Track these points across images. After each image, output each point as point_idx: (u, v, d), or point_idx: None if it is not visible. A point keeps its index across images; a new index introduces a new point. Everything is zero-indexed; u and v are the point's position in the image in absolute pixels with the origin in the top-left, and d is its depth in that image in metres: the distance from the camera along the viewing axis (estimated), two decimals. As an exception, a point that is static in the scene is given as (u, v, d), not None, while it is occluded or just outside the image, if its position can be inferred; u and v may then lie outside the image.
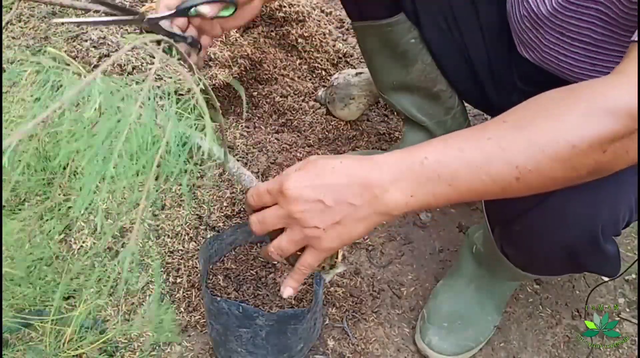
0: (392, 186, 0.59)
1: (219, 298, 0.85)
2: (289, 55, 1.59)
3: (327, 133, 1.45)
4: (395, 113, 1.52)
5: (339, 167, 0.60)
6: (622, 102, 0.55)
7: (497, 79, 1.06)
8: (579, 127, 0.56)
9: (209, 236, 1.17)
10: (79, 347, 1.00)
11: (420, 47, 1.10)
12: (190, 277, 1.12)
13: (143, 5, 1.35)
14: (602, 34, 0.79)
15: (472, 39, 1.03)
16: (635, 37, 0.59)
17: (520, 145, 0.57)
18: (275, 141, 1.41)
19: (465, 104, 1.26)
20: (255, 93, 1.51)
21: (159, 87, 0.49)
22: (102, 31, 1.31)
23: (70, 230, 1.15)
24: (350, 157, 0.62)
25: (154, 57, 1.38)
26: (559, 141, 0.56)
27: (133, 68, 1.25)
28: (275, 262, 0.79)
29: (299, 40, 1.56)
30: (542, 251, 0.81)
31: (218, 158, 0.63)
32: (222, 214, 1.22)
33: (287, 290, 0.68)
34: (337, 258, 0.71)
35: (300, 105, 1.52)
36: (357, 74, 1.46)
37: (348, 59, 1.63)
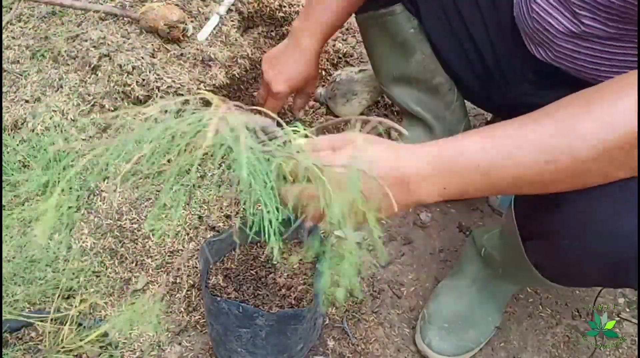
0: (428, 180, 0.61)
1: (218, 298, 0.85)
2: (289, 55, 1.59)
3: (327, 133, 1.45)
4: (395, 113, 1.52)
5: (380, 156, 0.62)
6: None
7: (500, 72, 1.04)
8: (606, 122, 0.55)
9: (209, 236, 1.17)
10: (79, 346, 1.00)
11: (420, 38, 1.10)
12: (190, 277, 1.12)
13: (143, 5, 1.35)
14: (616, 27, 0.77)
15: (474, 33, 1.03)
16: None
17: (555, 140, 0.57)
18: (275, 141, 1.41)
19: (466, 104, 1.26)
20: (255, 93, 1.51)
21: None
22: (102, 31, 1.31)
23: (70, 230, 1.15)
24: (390, 146, 0.64)
25: (154, 57, 1.37)
26: (588, 136, 0.55)
27: (133, 68, 1.25)
28: (276, 262, 0.81)
29: (299, 40, 1.57)
30: (585, 267, 0.73)
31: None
32: (222, 214, 1.22)
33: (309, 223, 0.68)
34: None
35: (300, 105, 1.52)
36: (360, 70, 1.46)
37: (348, 59, 1.63)
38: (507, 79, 1.04)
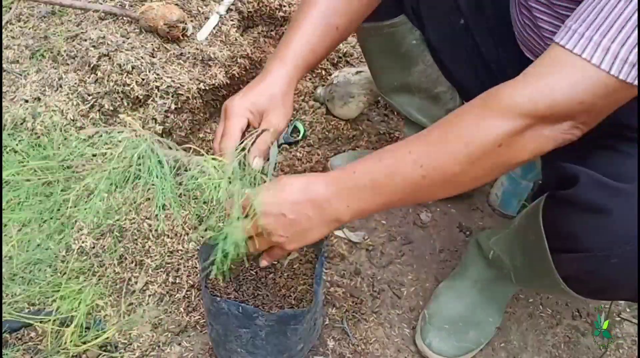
0: (334, 198, 0.72)
1: (218, 299, 0.85)
2: (289, 54, 1.58)
3: (327, 133, 1.45)
4: (395, 113, 1.52)
5: (296, 185, 0.73)
6: (514, 103, 0.63)
7: (505, 79, 1.04)
8: (473, 128, 0.65)
9: (209, 236, 1.17)
10: (79, 346, 1.00)
11: (421, 49, 1.10)
12: (190, 277, 1.12)
13: (143, 5, 1.35)
14: None
15: (479, 41, 1.03)
16: (558, 39, 0.62)
17: (424, 147, 0.68)
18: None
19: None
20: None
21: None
22: (101, 31, 1.31)
23: (70, 230, 1.15)
24: (306, 176, 0.74)
25: (153, 57, 1.38)
26: (453, 141, 0.66)
27: (132, 67, 1.25)
28: (266, 263, 0.85)
29: (299, 39, 1.56)
30: (631, 285, 0.72)
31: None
32: (222, 214, 1.21)
33: (263, 262, 0.84)
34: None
35: (300, 105, 1.51)
36: (357, 72, 1.46)
37: (348, 59, 1.62)
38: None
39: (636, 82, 0.59)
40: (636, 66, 0.58)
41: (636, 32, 0.57)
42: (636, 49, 0.57)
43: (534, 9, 0.83)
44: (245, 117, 0.82)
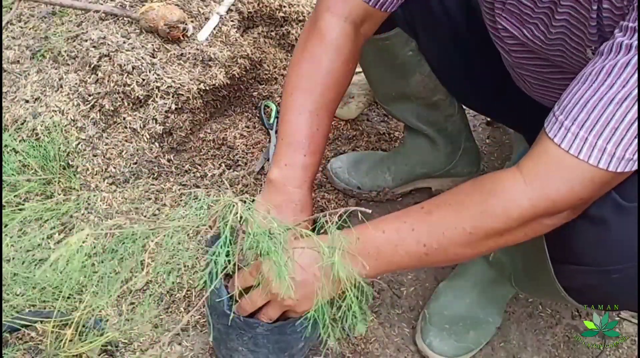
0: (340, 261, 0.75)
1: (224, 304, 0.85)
2: (289, 55, 1.59)
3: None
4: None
5: (307, 250, 0.76)
6: (516, 207, 0.66)
7: (500, 82, 1.05)
8: (476, 219, 0.69)
9: (209, 236, 1.17)
10: (79, 346, 1.00)
11: (418, 59, 1.10)
12: (190, 277, 1.12)
13: (143, 5, 1.35)
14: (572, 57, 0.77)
15: (473, 52, 1.03)
16: (551, 134, 0.63)
17: (427, 228, 0.72)
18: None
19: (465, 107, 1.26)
20: (255, 93, 1.51)
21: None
22: (102, 31, 1.31)
23: (70, 230, 1.15)
24: (313, 238, 0.76)
25: (154, 57, 1.38)
26: (457, 228, 0.70)
27: (133, 68, 1.25)
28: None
29: (299, 40, 1.56)
30: (632, 297, 0.72)
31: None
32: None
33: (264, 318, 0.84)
34: None
35: (300, 105, 1.51)
36: (356, 73, 1.46)
37: (348, 59, 1.63)
38: (505, 92, 1.04)
39: (632, 169, 0.61)
40: (632, 160, 0.60)
41: (630, 132, 0.59)
42: (631, 147, 0.59)
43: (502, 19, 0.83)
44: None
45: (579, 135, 0.61)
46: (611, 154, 0.60)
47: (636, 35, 0.58)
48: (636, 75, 0.58)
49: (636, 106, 0.58)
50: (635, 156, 0.60)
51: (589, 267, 0.71)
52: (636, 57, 0.58)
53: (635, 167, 0.61)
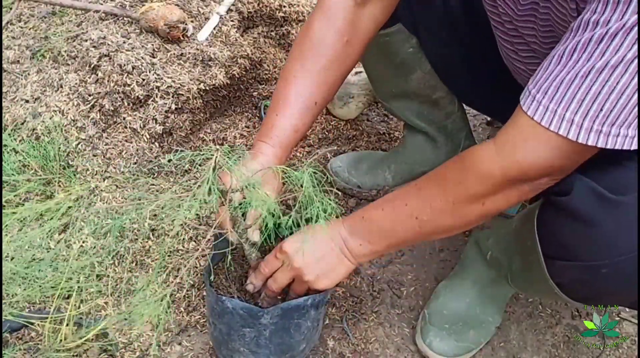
0: (349, 238, 0.85)
1: (223, 298, 0.85)
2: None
3: (327, 133, 1.45)
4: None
5: (315, 234, 0.84)
6: (489, 172, 0.71)
7: (498, 84, 1.05)
8: (456, 189, 0.75)
9: (208, 236, 1.17)
10: (79, 346, 1.00)
11: (419, 56, 1.10)
12: (190, 277, 1.12)
13: (143, 5, 1.35)
14: (543, 42, 0.79)
15: (474, 48, 1.03)
16: (524, 106, 0.66)
17: (417, 202, 0.79)
18: (275, 141, 1.41)
19: (465, 106, 1.26)
20: (255, 93, 1.51)
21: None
22: (102, 31, 1.31)
23: (70, 230, 1.15)
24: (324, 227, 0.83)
25: (154, 57, 1.38)
26: (442, 200, 0.76)
27: (133, 68, 1.25)
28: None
29: (299, 40, 1.56)
30: (622, 293, 0.74)
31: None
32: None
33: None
34: None
35: (300, 105, 1.51)
36: (356, 73, 1.46)
37: (348, 59, 1.63)
38: (506, 89, 1.04)
39: (599, 144, 0.63)
40: (602, 133, 0.62)
41: (596, 104, 0.61)
42: (598, 119, 0.62)
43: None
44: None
45: (549, 108, 0.64)
46: (579, 125, 0.62)
47: (598, 11, 0.60)
48: (598, 49, 0.60)
49: (600, 78, 0.60)
50: (606, 129, 0.62)
51: (578, 263, 0.72)
52: (598, 32, 0.60)
53: (610, 143, 0.62)
